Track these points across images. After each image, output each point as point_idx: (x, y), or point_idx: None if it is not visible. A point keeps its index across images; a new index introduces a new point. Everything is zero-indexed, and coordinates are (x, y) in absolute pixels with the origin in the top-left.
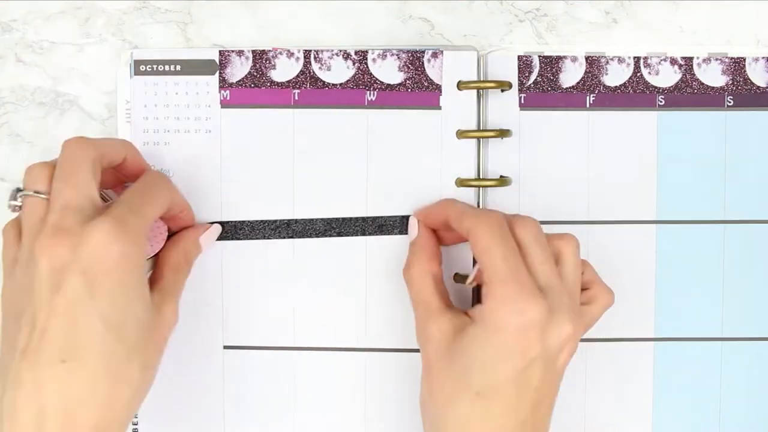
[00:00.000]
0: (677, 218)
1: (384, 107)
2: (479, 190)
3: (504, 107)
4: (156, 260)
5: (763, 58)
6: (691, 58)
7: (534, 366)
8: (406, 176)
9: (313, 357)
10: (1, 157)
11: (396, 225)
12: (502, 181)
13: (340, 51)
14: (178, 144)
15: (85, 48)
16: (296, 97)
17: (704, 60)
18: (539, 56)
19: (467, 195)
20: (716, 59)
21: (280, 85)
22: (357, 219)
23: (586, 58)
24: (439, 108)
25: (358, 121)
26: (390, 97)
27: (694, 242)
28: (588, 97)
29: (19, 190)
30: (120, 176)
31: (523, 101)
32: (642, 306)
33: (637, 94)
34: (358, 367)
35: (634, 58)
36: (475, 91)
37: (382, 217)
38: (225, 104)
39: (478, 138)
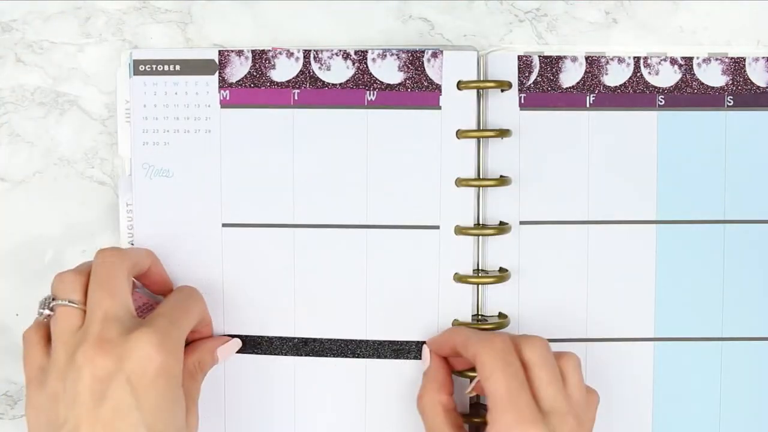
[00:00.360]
0: (677, 218)
1: (384, 107)
2: (479, 189)
3: (504, 107)
4: None
5: (763, 58)
6: (691, 58)
7: None
8: (406, 176)
9: (314, 361)
10: (1, 157)
11: (411, 350)
12: (502, 180)
13: (340, 51)
14: (178, 144)
15: (85, 48)
16: (296, 97)
17: (704, 60)
18: (539, 56)
19: (467, 195)
20: (716, 59)
21: (280, 85)
22: (373, 342)
23: (586, 58)
24: (439, 108)
25: (357, 121)
26: (390, 97)
27: (694, 242)
28: (588, 97)
29: (50, 298)
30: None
31: (523, 101)
32: (642, 306)
33: (637, 94)
34: (358, 372)
35: (634, 58)
36: (474, 91)
37: (398, 341)
38: (225, 104)
39: (478, 138)
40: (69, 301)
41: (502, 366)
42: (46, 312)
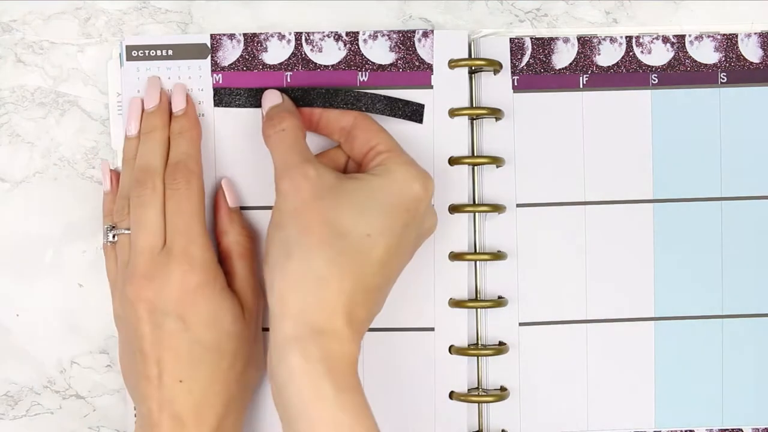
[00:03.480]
0: (674, 196)
1: (376, 87)
2: (474, 172)
3: (497, 90)
4: (220, 256)
5: (755, 33)
6: (683, 36)
7: (412, 228)
8: None
9: None
10: (1, 157)
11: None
12: (495, 159)
13: (331, 33)
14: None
15: (86, 48)
16: (288, 80)
17: (696, 38)
18: (531, 38)
19: (461, 173)
20: (708, 36)
21: (272, 67)
22: None
23: (579, 39)
24: (431, 87)
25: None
26: (382, 77)
27: (692, 220)
28: (581, 78)
29: (110, 227)
30: None
31: (516, 83)
32: (641, 286)
33: (630, 73)
34: None
35: (626, 37)
36: (466, 69)
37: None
38: (218, 87)
39: (471, 117)
40: (126, 230)
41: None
42: (111, 241)
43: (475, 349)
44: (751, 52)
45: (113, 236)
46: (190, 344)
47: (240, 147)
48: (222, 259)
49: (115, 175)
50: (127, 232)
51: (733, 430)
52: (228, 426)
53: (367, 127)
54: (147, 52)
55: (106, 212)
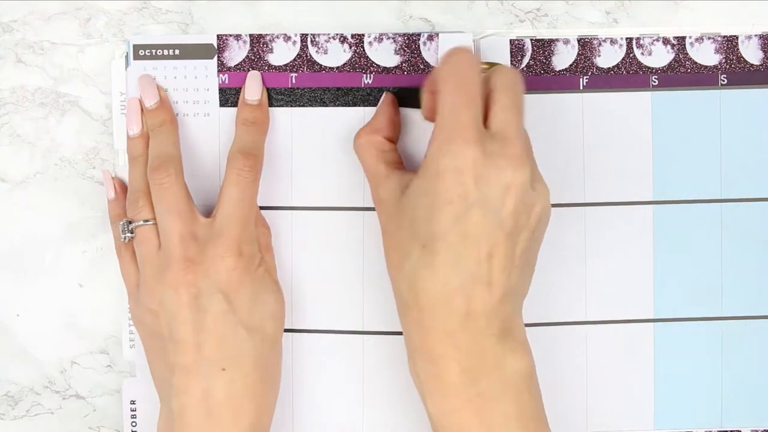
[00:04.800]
0: (674, 198)
1: (381, 90)
2: None
3: None
4: None
5: (755, 35)
6: (683, 38)
7: (472, 212)
8: (403, 159)
9: (311, 339)
10: (2, 158)
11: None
12: None
13: (337, 35)
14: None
15: (86, 49)
16: (294, 81)
17: (697, 39)
18: (531, 40)
19: None
20: (709, 38)
21: (278, 68)
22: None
23: (579, 41)
24: None
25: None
26: (386, 80)
27: (691, 222)
28: (581, 79)
29: (126, 222)
30: None
31: None
32: (641, 287)
33: (630, 74)
34: (355, 350)
35: (627, 39)
36: None
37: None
38: (224, 88)
39: None
40: (144, 221)
41: (452, 87)
42: (129, 235)
43: None
44: (752, 53)
45: (131, 230)
46: (234, 327)
47: None
48: None
49: (118, 181)
50: (146, 223)
51: (732, 431)
52: (265, 422)
53: (440, 95)
54: (154, 51)
55: (112, 218)
